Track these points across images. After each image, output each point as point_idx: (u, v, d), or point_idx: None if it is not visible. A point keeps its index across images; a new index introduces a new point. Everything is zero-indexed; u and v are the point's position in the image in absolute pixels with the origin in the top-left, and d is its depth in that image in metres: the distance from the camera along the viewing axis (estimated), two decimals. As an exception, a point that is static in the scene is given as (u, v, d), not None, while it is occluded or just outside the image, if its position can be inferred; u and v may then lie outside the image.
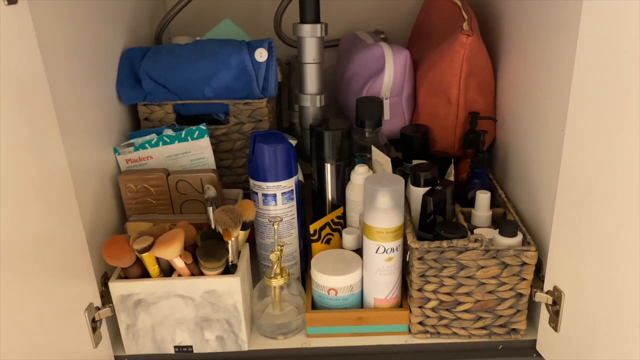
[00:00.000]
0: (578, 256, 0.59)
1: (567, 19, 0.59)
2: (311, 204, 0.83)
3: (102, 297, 0.66)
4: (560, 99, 0.61)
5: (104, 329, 0.66)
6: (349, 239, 0.74)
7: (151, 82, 0.79)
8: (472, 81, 0.80)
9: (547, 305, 0.65)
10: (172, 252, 0.63)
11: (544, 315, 0.66)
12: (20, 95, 0.51)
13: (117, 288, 0.65)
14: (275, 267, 0.68)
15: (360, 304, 0.72)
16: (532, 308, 0.69)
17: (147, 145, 0.76)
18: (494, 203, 0.77)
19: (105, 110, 0.75)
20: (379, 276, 0.68)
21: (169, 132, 0.77)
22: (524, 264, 0.65)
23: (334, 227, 0.76)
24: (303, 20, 0.83)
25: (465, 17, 0.80)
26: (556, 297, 0.63)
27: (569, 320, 0.62)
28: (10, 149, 0.49)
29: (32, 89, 0.53)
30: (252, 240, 0.76)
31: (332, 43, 1.06)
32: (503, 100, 0.83)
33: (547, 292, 0.65)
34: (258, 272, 0.77)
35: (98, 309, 0.65)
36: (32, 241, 0.52)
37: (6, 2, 0.48)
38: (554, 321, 0.64)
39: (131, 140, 0.77)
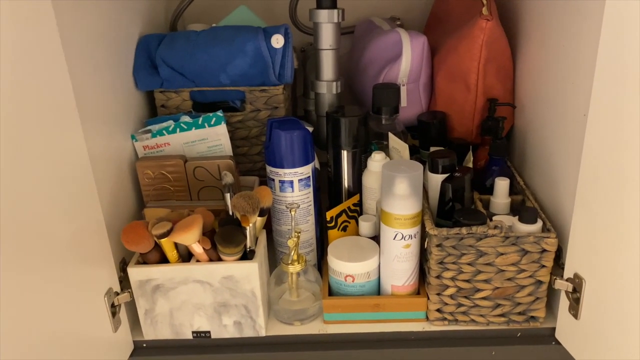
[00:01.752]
0: (599, 243, 0.58)
1: (591, 1, 0.57)
2: (327, 192, 0.82)
3: (120, 282, 0.67)
4: (583, 83, 0.60)
5: (122, 314, 0.67)
6: (365, 226, 0.74)
7: (167, 69, 0.79)
8: (491, 67, 0.79)
9: (567, 292, 0.65)
10: (191, 237, 0.63)
11: (563, 302, 0.66)
12: (40, 82, 0.51)
13: (136, 273, 0.66)
14: (292, 254, 0.68)
15: (378, 290, 0.72)
16: (551, 295, 0.68)
17: (164, 132, 0.76)
18: (513, 190, 0.76)
19: (122, 97, 0.75)
20: (397, 263, 0.68)
21: (186, 118, 0.77)
22: (544, 250, 0.64)
23: (350, 214, 0.76)
24: (319, 6, 0.82)
25: (485, 1, 0.79)
26: (576, 285, 0.63)
27: (590, 307, 0.61)
28: (30, 135, 0.49)
29: (52, 76, 0.54)
30: (269, 227, 0.76)
31: (348, 30, 1.05)
32: (522, 86, 0.82)
33: (567, 280, 0.64)
34: (275, 259, 0.77)
35: (117, 294, 0.66)
36: (51, 227, 0.53)
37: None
38: (574, 309, 0.63)
39: (148, 127, 0.77)
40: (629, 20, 0.50)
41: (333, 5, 0.82)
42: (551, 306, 0.69)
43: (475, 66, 0.79)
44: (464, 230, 0.63)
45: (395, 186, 0.65)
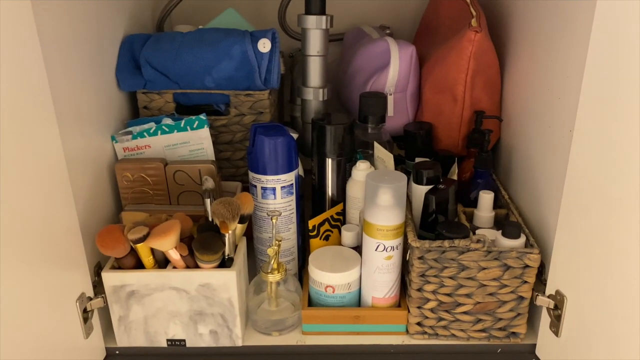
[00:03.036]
0: (582, 260, 0.58)
1: (580, 18, 0.57)
2: (311, 200, 0.81)
3: (95, 287, 0.65)
4: (569, 99, 0.59)
5: (95, 320, 0.65)
6: (348, 235, 0.73)
7: (151, 70, 0.77)
8: (479, 79, 0.79)
9: (548, 309, 0.64)
10: (168, 243, 0.62)
11: (544, 319, 0.65)
12: (15, 80, 0.50)
13: (110, 278, 0.64)
14: (272, 262, 0.67)
15: (358, 302, 0.71)
16: (533, 312, 0.67)
17: (145, 134, 0.74)
18: (497, 204, 0.76)
19: (104, 97, 0.74)
20: (378, 274, 0.67)
21: (168, 121, 0.75)
22: (526, 266, 0.63)
23: (333, 223, 0.75)
24: (308, 12, 0.81)
25: (474, 13, 0.79)
26: (558, 302, 0.62)
27: (571, 325, 0.61)
28: (3, 134, 0.48)
29: (27, 72, 0.52)
30: (249, 235, 0.74)
31: (337, 37, 1.05)
32: (509, 99, 0.81)
33: (549, 296, 0.64)
34: (255, 267, 0.76)
35: (90, 299, 0.64)
36: (23, 228, 0.51)
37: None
38: (555, 326, 0.63)
39: (129, 129, 0.75)
40: (616, 37, 0.50)
41: (322, 12, 0.81)
42: (532, 322, 0.69)
43: (463, 78, 0.78)
44: (446, 243, 0.63)
45: (379, 196, 0.64)
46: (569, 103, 0.59)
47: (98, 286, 0.65)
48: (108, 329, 0.68)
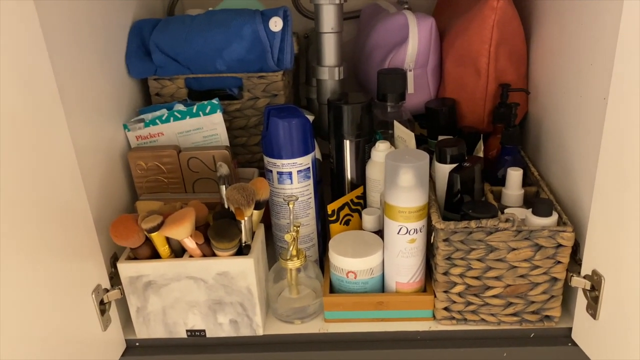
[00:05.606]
0: (620, 238, 0.54)
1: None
2: (329, 184, 0.78)
3: (111, 278, 0.64)
4: (603, 64, 0.55)
5: (113, 312, 0.64)
6: (369, 219, 0.70)
7: (161, 55, 0.75)
8: (503, 50, 0.75)
9: (584, 290, 0.60)
10: (182, 231, 0.60)
11: (580, 301, 0.61)
12: (18, 71, 0.48)
13: (126, 269, 0.63)
14: (291, 249, 0.65)
15: (381, 288, 0.68)
16: (568, 294, 0.64)
17: (157, 121, 0.73)
18: (526, 181, 0.72)
19: (114, 85, 0.72)
20: (402, 259, 0.64)
21: (180, 107, 0.73)
22: (560, 245, 0.60)
23: (353, 207, 0.72)
24: (320, -14, 0.78)
25: (496, -20, 0.74)
26: (595, 282, 0.58)
27: (609, 307, 0.57)
28: (10, 127, 0.47)
29: (32, 64, 0.51)
30: (268, 221, 0.72)
31: (353, 14, 1.01)
32: (536, 70, 0.77)
33: (584, 277, 0.60)
34: (275, 254, 0.74)
35: (107, 290, 0.63)
36: (36, 221, 0.50)
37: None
38: (593, 308, 0.59)
39: (141, 116, 0.74)
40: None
41: (335, -14, 0.78)
42: (567, 305, 0.65)
43: (486, 49, 0.74)
44: (472, 223, 0.59)
45: (399, 177, 0.61)
46: (602, 68, 0.55)
47: (115, 277, 0.64)
48: (127, 320, 0.67)
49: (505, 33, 0.74)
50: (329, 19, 0.79)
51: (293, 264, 0.65)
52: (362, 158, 0.74)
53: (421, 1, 1.02)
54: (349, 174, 0.75)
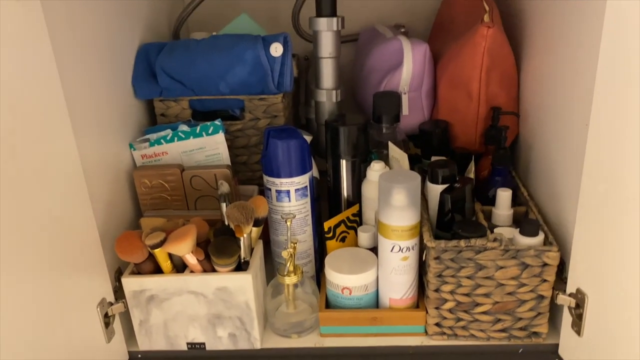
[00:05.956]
0: (602, 257, 0.56)
1: (592, 10, 0.56)
2: (327, 201, 0.81)
3: (115, 292, 0.66)
4: (584, 92, 0.58)
5: (117, 325, 0.66)
6: (364, 237, 0.73)
7: (167, 78, 0.79)
8: (494, 74, 0.78)
9: (569, 308, 0.62)
10: (184, 248, 0.62)
11: (566, 318, 0.63)
12: (31, 90, 0.51)
13: (130, 283, 0.65)
14: (288, 265, 0.67)
15: (376, 303, 0.70)
16: (555, 310, 0.66)
17: (162, 140, 0.76)
18: (516, 201, 0.74)
19: (121, 105, 0.75)
20: (395, 276, 0.67)
21: (184, 127, 0.76)
22: (545, 264, 0.62)
23: (349, 224, 0.75)
24: (319, 14, 0.81)
25: (487, 8, 0.78)
26: (579, 300, 0.61)
27: (593, 324, 0.59)
28: (20, 144, 0.49)
29: (43, 84, 0.53)
30: (267, 238, 0.75)
31: (352, 37, 1.04)
32: (526, 94, 0.80)
33: (569, 295, 0.62)
34: (273, 270, 0.76)
35: (111, 304, 0.65)
36: (43, 236, 0.52)
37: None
38: (577, 325, 0.61)
39: (147, 136, 0.77)
40: (628, 30, 0.49)
41: (332, 13, 0.81)
42: (554, 322, 0.67)
43: (477, 74, 0.77)
44: (462, 242, 0.62)
45: (392, 197, 0.63)
46: (584, 95, 0.58)
47: (119, 291, 0.67)
48: (130, 333, 0.69)
49: (495, 59, 0.77)
50: (327, 45, 0.82)
51: (290, 280, 0.68)
52: (358, 177, 0.76)
53: (418, 26, 1.05)
54: (345, 192, 0.77)
